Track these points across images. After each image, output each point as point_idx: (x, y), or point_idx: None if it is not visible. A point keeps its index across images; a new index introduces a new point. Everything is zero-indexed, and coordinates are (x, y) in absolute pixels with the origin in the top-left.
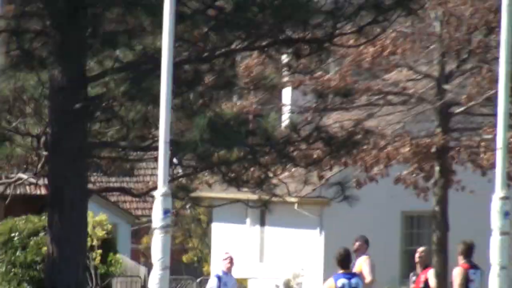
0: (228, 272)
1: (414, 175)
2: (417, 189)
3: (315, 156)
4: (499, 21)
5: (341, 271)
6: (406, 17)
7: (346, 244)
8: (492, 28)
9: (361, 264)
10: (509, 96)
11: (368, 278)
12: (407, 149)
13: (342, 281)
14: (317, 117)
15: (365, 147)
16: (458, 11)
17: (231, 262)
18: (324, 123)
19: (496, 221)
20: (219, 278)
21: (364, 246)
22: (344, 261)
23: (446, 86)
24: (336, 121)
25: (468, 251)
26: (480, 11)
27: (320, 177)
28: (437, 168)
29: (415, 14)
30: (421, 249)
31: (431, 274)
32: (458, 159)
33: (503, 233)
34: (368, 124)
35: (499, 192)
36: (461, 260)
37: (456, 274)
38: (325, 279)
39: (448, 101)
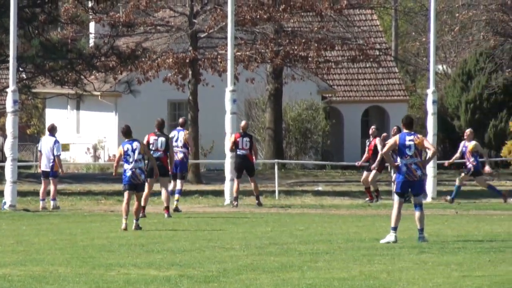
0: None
1: (175, 76)
2: (178, 85)
3: (111, 65)
4: None
5: (126, 139)
6: None
7: (133, 122)
8: None
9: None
10: (236, 26)
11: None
12: (171, 60)
13: (127, 146)
14: (112, 40)
15: (143, 59)
16: None
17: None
18: (116, 44)
19: (228, 105)
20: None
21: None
22: (127, 132)
23: (195, 20)
24: (124, 43)
25: (160, 125)
26: None
27: (114, 78)
28: (190, 72)
29: None
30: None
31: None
32: (203, 66)
33: (232, 113)
34: (145, 45)
35: (229, 87)
36: (154, 130)
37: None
38: (118, 144)
39: (196, 30)
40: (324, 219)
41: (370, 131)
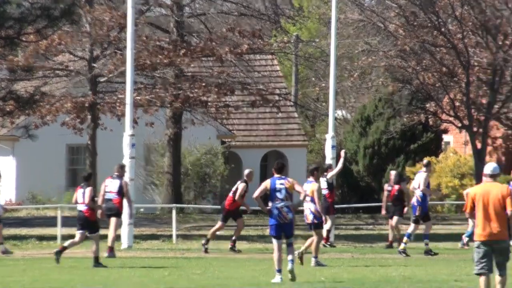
0: None
1: (74, 120)
2: (76, 130)
3: (8, 109)
4: (127, 23)
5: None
6: (68, 23)
7: (31, 166)
8: (122, 28)
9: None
10: (136, 71)
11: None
12: (69, 104)
13: None
14: (10, 85)
15: (41, 103)
16: (101, 17)
17: None
18: (14, 88)
19: (127, 150)
20: None
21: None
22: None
23: (94, 65)
24: (22, 87)
25: (119, 168)
26: (115, 17)
27: (12, 123)
28: (89, 116)
29: (74, 23)
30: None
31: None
32: (102, 110)
33: (131, 157)
34: (44, 89)
35: (128, 131)
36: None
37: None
38: (16, 188)
39: (96, 74)
40: (221, 263)
41: (392, 177)
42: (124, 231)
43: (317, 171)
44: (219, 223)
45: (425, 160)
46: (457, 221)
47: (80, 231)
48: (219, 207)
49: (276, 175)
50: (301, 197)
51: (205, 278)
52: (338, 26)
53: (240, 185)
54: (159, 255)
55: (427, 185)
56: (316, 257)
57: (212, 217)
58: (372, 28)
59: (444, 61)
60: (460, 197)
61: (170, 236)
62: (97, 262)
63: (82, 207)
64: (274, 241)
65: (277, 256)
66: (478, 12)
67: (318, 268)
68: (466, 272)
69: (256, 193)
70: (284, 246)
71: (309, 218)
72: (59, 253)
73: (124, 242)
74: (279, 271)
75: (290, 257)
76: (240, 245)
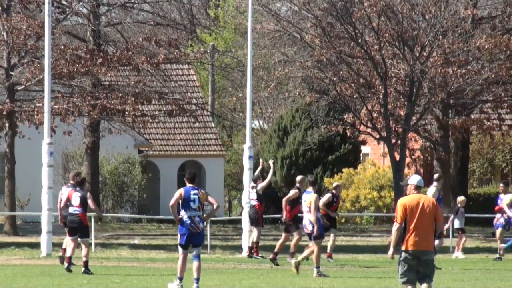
0: None
1: None
2: None
3: None
4: (44, 32)
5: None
6: None
7: None
8: (40, 36)
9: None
10: (54, 79)
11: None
12: None
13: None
14: None
15: None
16: (19, 25)
17: None
18: None
19: (45, 158)
20: None
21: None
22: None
23: (12, 73)
24: None
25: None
26: (32, 26)
27: None
28: (7, 124)
29: None
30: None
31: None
32: (20, 118)
33: (49, 165)
34: None
35: (46, 139)
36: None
37: None
38: None
39: (13, 82)
40: (140, 272)
41: (339, 188)
42: (43, 239)
43: (316, 182)
44: (283, 235)
45: (436, 174)
46: (376, 233)
47: (73, 236)
48: (137, 216)
49: (189, 185)
50: (215, 207)
51: (123, 287)
52: (254, 36)
53: (291, 191)
54: (78, 263)
55: (439, 200)
56: (318, 267)
57: (130, 226)
58: (289, 39)
59: (361, 72)
60: (378, 209)
61: (89, 245)
62: (86, 268)
63: (76, 211)
64: (181, 250)
65: (181, 265)
66: (395, 24)
67: (320, 278)
68: (385, 284)
69: (172, 201)
70: (189, 256)
71: (309, 228)
72: (67, 263)
73: (43, 250)
74: (181, 279)
75: (195, 275)
76: (158, 254)
